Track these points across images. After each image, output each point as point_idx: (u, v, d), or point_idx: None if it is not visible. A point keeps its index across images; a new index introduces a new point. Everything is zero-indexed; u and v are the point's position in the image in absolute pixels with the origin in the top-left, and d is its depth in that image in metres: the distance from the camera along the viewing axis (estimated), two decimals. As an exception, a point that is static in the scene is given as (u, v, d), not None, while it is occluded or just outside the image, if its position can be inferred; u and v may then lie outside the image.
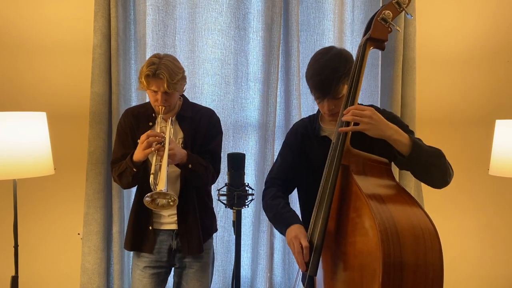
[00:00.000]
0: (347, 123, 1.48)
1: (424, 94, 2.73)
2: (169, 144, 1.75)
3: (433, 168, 1.50)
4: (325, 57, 1.63)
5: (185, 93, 2.51)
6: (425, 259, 1.26)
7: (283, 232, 1.62)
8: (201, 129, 1.98)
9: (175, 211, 1.95)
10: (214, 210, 2.52)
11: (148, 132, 1.78)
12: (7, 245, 2.13)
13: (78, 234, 2.51)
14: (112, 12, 2.36)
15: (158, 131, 1.85)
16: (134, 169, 1.82)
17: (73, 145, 2.52)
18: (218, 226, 2.55)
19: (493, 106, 2.82)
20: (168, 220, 1.98)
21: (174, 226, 1.97)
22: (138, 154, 1.79)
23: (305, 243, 1.47)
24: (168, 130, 1.82)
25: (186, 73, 2.50)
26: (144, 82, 1.80)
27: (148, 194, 1.68)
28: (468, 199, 2.85)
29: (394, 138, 1.46)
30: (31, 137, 2.03)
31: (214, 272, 2.57)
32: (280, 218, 1.67)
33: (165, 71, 1.78)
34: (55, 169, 2.17)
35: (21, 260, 2.14)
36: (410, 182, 2.60)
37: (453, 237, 2.80)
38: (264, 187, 1.85)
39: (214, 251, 2.17)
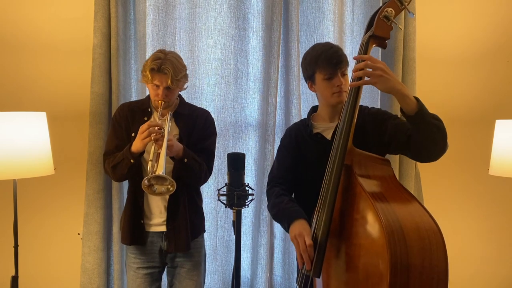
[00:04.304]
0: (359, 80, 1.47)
1: (424, 94, 2.71)
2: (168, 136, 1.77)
3: (436, 129, 1.46)
4: (324, 42, 1.82)
5: (185, 93, 2.53)
6: (430, 261, 1.26)
7: (286, 228, 1.61)
8: (197, 127, 2.00)
9: (166, 210, 1.95)
10: (208, 209, 2.53)
11: (149, 122, 1.82)
12: (7, 245, 2.12)
13: (78, 234, 2.50)
14: (112, 12, 2.36)
15: None
16: (132, 160, 1.82)
17: (73, 145, 2.52)
18: (218, 226, 2.58)
19: (493, 106, 2.82)
20: (158, 221, 1.97)
21: (163, 228, 1.97)
22: (137, 144, 1.81)
23: (309, 241, 1.46)
24: (166, 124, 1.84)
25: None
26: (149, 75, 1.83)
27: (147, 177, 1.69)
28: (468, 199, 2.85)
29: (403, 93, 1.43)
30: (31, 137, 2.02)
31: (214, 272, 2.58)
32: (283, 213, 1.67)
33: (170, 66, 1.81)
34: (55, 169, 2.16)
35: (21, 260, 2.13)
36: (410, 183, 2.59)
37: (452, 237, 2.78)
38: (267, 188, 1.87)
39: (206, 250, 2.17)
